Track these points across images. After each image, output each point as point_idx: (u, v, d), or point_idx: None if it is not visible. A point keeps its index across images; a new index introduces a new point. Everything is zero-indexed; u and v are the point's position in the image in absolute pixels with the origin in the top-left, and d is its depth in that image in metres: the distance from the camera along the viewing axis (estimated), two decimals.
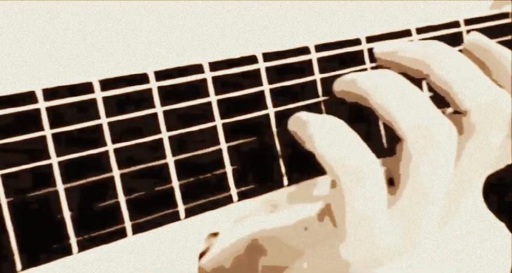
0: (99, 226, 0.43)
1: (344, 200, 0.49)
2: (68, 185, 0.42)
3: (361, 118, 0.55)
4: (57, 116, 0.42)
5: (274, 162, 0.50)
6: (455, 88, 0.52)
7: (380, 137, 0.56)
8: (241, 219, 0.61)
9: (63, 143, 0.42)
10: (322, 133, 0.48)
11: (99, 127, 0.43)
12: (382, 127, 0.56)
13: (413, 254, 0.56)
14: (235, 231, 0.60)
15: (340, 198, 0.50)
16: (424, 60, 0.53)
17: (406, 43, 0.54)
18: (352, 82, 0.52)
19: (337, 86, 0.53)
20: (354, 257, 0.51)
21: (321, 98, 0.53)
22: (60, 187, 0.42)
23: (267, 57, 0.50)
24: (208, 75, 0.48)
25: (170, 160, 0.46)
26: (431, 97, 0.58)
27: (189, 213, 0.47)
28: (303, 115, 0.50)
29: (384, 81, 0.51)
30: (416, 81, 0.57)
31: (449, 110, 0.58)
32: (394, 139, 0.56)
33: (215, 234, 0.63)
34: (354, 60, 0.54)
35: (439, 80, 0.53)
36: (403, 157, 0.50)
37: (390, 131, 0.56)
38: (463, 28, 0.60)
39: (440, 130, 0.50)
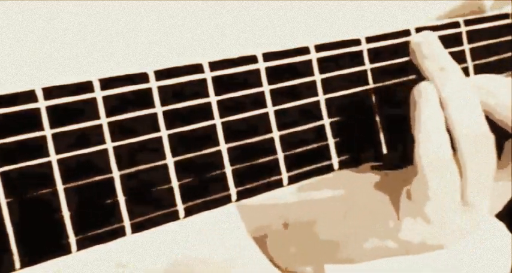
0: (98, 225, 0.43)
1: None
2: (68, 184, 0.42)
3: (362, 119, 0.55)
4: (57, 115, 0.42)
5: (273, 162, 0.50)
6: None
7: (379, 141, 0.56)
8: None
9: (63, 142, 0.42)
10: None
11: (98, 126, 0.43)
12: (381, 130, 0.56)
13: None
14: None
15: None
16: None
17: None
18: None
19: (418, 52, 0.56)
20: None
21: (321, 97, 0.53)
22: (60, 186, 0.42)
23: (267, 57, 0.50)
24: (208, 74, 0.48)
25: (170, 159, 0.46)
26: None
27: (188, 212, 0.47)
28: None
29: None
30: None
31: None
32: (395, 144, 0.56)
33: None
34: (354, 60, 0.55)
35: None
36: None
37: (390, 135, 0.56)
38: (463, 28, 0.60)
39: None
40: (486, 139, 0.55)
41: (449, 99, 0.54)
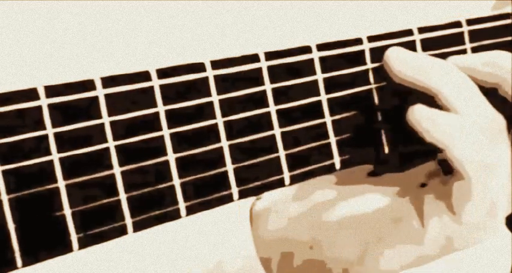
0: (99, 223, 0.43)
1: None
2: (69, 182, 0.42)
3: (363, 118, 0.55)
4: (59, 113, 0.42)
5: (275, 160, 0.50)
6: None
7: (381, 140, 0.56)
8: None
9: (65, 140, 0.42)
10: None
11: (100, 124, 0.43)
12: (383, 130, 0.56)
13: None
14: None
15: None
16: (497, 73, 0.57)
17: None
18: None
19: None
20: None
21: (323, 97, 0.53)
22: (61, 183, 0.42)
23: (269, 56, 0.50)
24: (210, 73, 0.48)
25: (171, 157, 0.46)
26: None
27: (190, 211, 0.47)
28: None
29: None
30: None
31: None
32: (397, 146, 0.56)
33: None
34: (356, 59, 0.55)
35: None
36: None
37: (392, 135, 0.56)
38: (465, 28, 0.60)
39: None
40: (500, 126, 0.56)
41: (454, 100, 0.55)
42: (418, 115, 0.54)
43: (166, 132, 0.46)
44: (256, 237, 0.60)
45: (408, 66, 0.55)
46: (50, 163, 0.41)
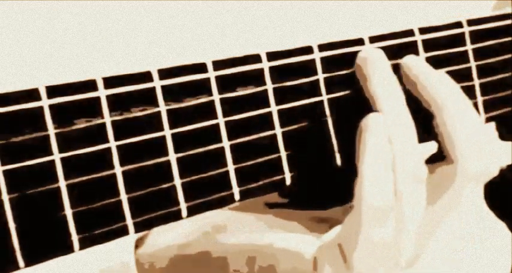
0: (101, 224, 0.43)
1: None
2: (70, 182, 0.42)
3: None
4: (60, 113, 0.42)
5: (277, 161, 0.50)
6: (456, 142, 0.54)
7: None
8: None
9: (66, 140, 0.42)
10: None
11: (102, 124, 0.43)
12: None
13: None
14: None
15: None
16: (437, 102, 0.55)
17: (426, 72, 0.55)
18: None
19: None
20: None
21: (324, 97, 0.53)
22: (63, 183, 0.42)
23: (271, 56, 0.50)
24: (211, 73, 0.48)
25: (172, 157, 0.46)
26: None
27: (191, 211, 0.47)
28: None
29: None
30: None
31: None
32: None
33: None
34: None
35: (444, 128, 0.54)
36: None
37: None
38: (465, 29, 0.60)
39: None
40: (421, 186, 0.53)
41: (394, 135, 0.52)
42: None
43: (167, 132, 0.46)
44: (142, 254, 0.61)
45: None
46: (51, 163, 0.41)
